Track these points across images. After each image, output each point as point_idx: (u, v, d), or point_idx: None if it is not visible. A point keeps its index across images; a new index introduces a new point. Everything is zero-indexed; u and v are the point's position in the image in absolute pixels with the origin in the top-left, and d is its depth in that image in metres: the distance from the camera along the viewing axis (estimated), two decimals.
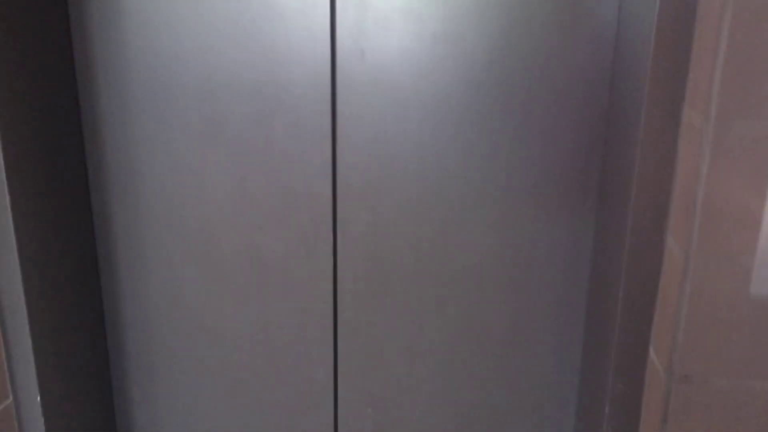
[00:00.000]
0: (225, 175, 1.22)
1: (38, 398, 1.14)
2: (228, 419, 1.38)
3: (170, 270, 1.29)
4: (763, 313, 0.90)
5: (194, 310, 1.31)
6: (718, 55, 0.82)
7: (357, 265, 1.25)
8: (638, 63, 0.95)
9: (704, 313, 0.91)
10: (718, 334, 0.92)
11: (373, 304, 1.27)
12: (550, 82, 1.11)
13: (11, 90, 1.03)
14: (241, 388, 1.36)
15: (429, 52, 1.12)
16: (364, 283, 1.26)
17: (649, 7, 0.91)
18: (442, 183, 1.19)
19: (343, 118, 1.17)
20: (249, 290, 1.28)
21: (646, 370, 1.03)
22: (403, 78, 1.13)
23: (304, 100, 1.16)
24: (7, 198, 1.03)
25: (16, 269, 1.07)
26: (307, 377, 1.33)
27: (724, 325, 0.91)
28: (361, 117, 1.17)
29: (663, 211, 0.96)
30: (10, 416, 1.15)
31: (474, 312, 1.26)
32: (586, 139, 1.14)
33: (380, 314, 1.28)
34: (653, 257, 0.98)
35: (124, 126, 1.21)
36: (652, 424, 0.99)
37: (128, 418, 1.41)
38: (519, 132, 1.15)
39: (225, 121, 1.19)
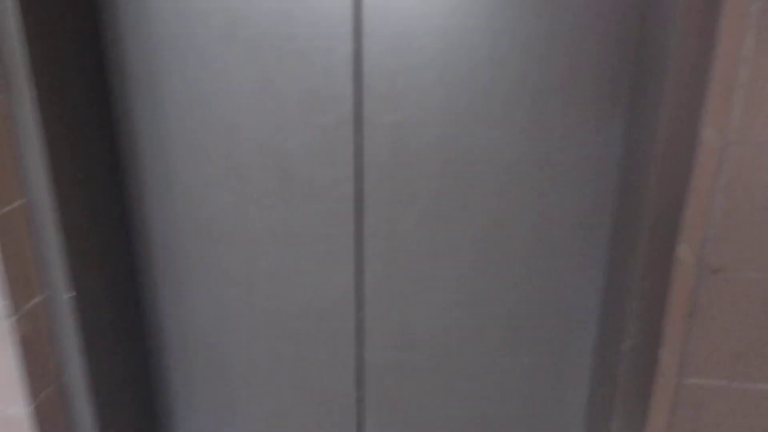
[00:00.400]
0: (247, 72, 1.20)
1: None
2: (249, 323, 1.41)
3: (194, 170, 1.29)
4: None
5: (216, 210, 1.32)
6: None
7: (381, 167, 1.24)
8: None
9: (739, 202, 0.90)
10: (753, 224, 0.91)
11: (397, 206, 1.27)
12: None
13: None
14: (262, 291, 1.37)
15: None
16: (389, 184, 1.25)
17: None
18: (470, 80, 1.17)
19: (368, 12, 1.14)
20: (272, 192, 1.29)
21: (674, 268, 1.03)
22: None
23: None
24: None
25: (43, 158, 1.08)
26: (331, 282, 1.35)
27: (760, 215, 0.90)
28: (386, 11, 1.14)
29: (699, 96, 0.94)
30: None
31: (500, 213, 1.25)
32: (620, 32, 1.11)
33: (404, 216, 1.28)
34: (687, 145, 0.96)
35: (146, 20, 1.19)
36: (678, 319, 1.00)
37: (154, 309, 1.44)
38: (551, 27, 1.12)
39: (248, 18, 1.17)
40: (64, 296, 1.17)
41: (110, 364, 1.32)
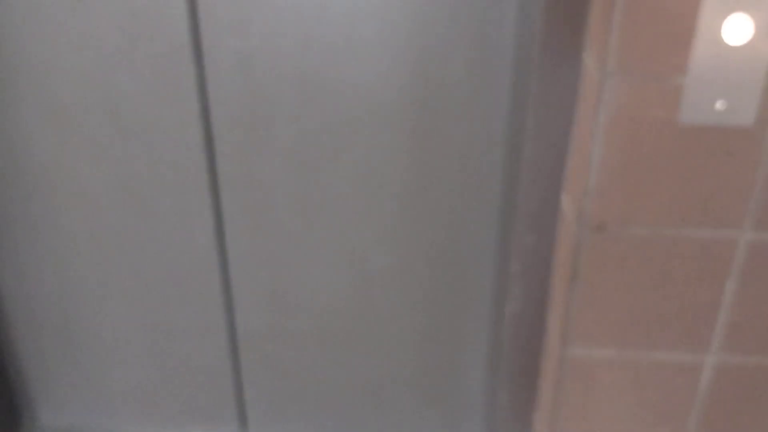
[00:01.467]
0: None
1: None
2: (103, 291, 1.24)
3: (12, 115, 1.09)
4: (692, 146, 0.75)
5: (44, 162, 1.13)
6: None
7: (230, 104, 1.06)
8: None
9: (621, 147, 0.75)
10: (638, 173, 0.77)
11: (255, 151, 1.10)
12: None
13: None
14: (111, 254, 1.20)
15: None
16: (242, 124, 1.08)
17: None
18: None
19: None
20: (104, 138, 1.10)
21: (558, 220, 0.89)
22: None
23: None
24: None
25: None
26: (189, 241, 1.18)
27: (646, 162, 0.76)
28: None
29: (579, 19, 0.77)
30: None
31: (378, 159, 1.09)
32: None
33: (264, 162, 1.11)
34: (567, 79, 0.81)
35: None
36: (562, 282, 0.86)
37: None
38: None
39: None
40: None
41: None
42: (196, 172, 1.12)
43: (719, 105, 0.72)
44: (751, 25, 0.68)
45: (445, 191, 1.11)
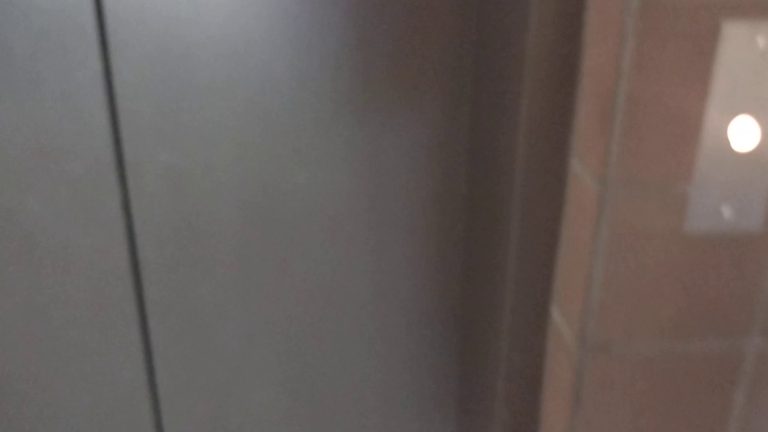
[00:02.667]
0: None
1: None
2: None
3: None
4: (699, 254, 0.69)
5: None
6: None
7: (159, 225, 0.94)
8: None
9: (625, 261, 0.69)
10: (643, 287, 0.70)
11: (188, 277, 0.97)
12: None
13: None
14: (31, 399, 1.03)
15: None
16: (173, 248, 0.95)
17: None
18: (268, 102, 0.89)
19: (113, 14, 0.83)
20: (17, 267, 0.94)
21: (549, 337, 0.81)
22: None
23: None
24: None
25: None
26: (115, 378, 1.02)
27: (650, 275, 0.70)
28: (141, 13, 0.83)
29: (565, 120, 0.72)
30: None
31: (326, 272, 0.99)
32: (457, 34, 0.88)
33: (201, 289, 0.98)
34: (553, 187, 0.74)
35: None
36: (561, 404, 0.78)
37: None
38: (367, 33, 0.86)
39: None
40: None
41: None
42: (122, 301, 0.97)
43: (726, 212, 0.67)
44: (758, 129, 0.64)
45: (405, 308, 1.02)
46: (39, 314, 0.97)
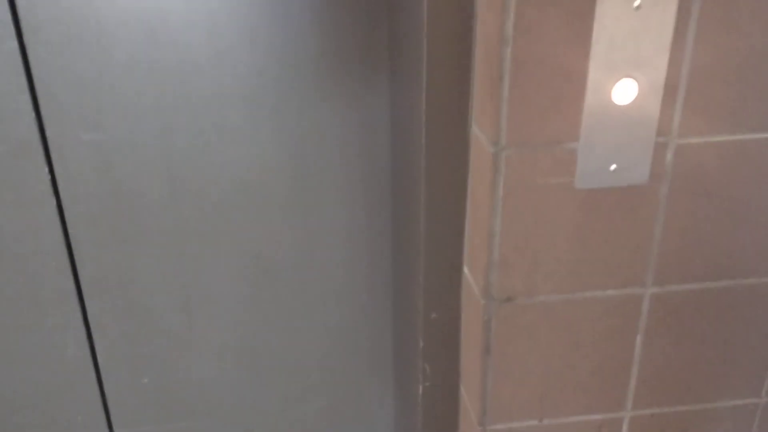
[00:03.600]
0: None
1: None
2: None
3: None
4: (591, 209, 0.74)
5: None
6: None
7: (89, 204, 0.96)
8: None
9: (522, 218, 0.74)
10: (541, 242, 0.75)
11: (122, 253, 1.00)
12: None
13: None
14: None
15: None
16: (105, 226, 0.98)
17: None
18: (190, 75, 0.92)
19: None
20: None
21: (462, 293, 0.86)
22: None
23: None
24: None
25: None
26: (56, 356, 1.05)
27: (547, 230, 0.75)
28: None
29: (464, 88, 0.76)
30: None
31: (257, 241, 1.03)
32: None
33: (136, 263, 1.01)
34: (458, 152, 0.79)
35: None
36: (475, 354, 0.83)
37: None
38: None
39: None
40: None
41: None
42: (55, 279, 1.00)
43: (613, 167, 0.72)
44: (636, 86, 0.69)
45: (335, 272, 1.06)
46: None
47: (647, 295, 0.80)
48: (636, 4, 0.66)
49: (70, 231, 0.98)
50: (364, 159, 1.00)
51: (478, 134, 0.75)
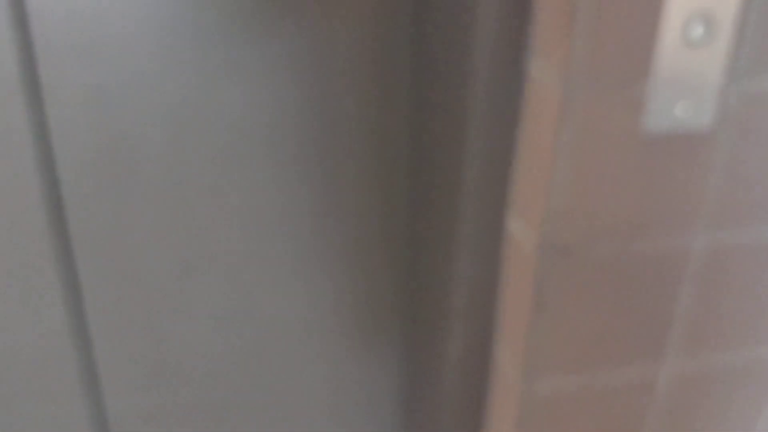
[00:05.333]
0: None
1: None
2: None
3: None
4: (654, 154, 0.72)
5: None
6: None
7: (80, 151, 0.88)
8: None
9: (587, 164, 0.71)
10: (602, 189, 0.73)
11: (116, 207, 0.93)
12: None
13: None
14: None
15: None
16: (97, 176, 0.90)
17: None
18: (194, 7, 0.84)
19: None
20: None
21: (506, 245, 0.83)
22: None
23: None
24: None
25: None
26: (42, 319, 0.97)
27: (610, 177, 0.72)
28: None
29: (523, 21, 0.72)
30: None
31: (264, 196, 0.97)
32: None
33: (130, 219, 0.94)
34: (511, 91, 0.75)
35: None
36: (522, 311, 0.81)
37: None
38: None
39: None
40: None
41: None
42: (43, 236, 0.92)
43: (678, 110, 0.70)
44: (709, 27, 0.66)
45: (348, 231, 1.01)
46: None
47: (698, 244, 0.79)
48: None
49: (62, 184, 0.89)
50: (381, 96, 0.95)
51: (541, 73, 0.71)
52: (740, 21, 0.68)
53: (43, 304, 0.96)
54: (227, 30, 0.86)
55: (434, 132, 0.88)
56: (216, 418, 1.11)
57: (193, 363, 1.06)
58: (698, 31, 0.67)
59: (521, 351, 0.82)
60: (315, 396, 1.14)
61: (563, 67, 0.67)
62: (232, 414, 1.11)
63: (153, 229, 0.95)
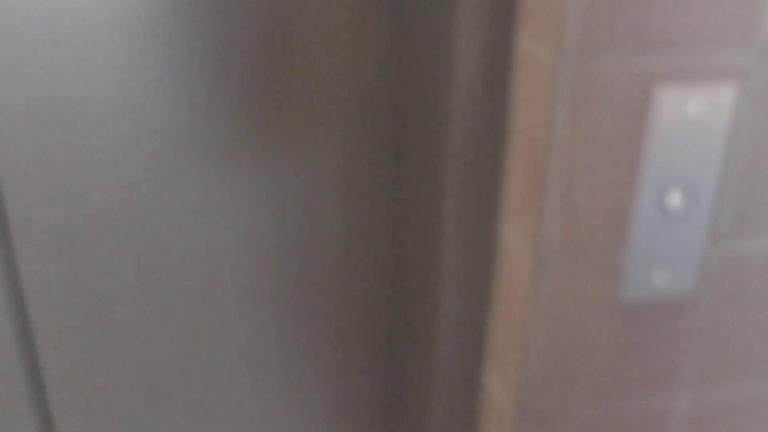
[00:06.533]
0: None
1: None
2: None
3: None
4: (634, 321, 0.70)
5: None
6: None
7: (51, 293, 0.87)
8: None
9: (562, 328, 0.69)
10: (580, 352, 0.70)
11: (86, 347, 0.91)
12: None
13: None
14: None
15: None
16: (66, 319, 0.89)
17: None
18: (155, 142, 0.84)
19: None
20: None
21: (481, 406, 0.80)
22: None
23: None
24: None
25: None
26: None
27: (587, 342, 0.70)
28: None
29: (492, 186, 0.71)
30: None
31: (239, 329, 0.95)
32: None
33: (102, 359, 0.92)
34: (483, 256, 0.74)
35: None
36: None
37: None
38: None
39: None
40: None
41: None
42: (14, 374, 0.90)
43: (657, 278, 0.68)
44: (687, 196, 0.65)
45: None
46: None
47: (681, 407, 0.76)
48: (691, 112, 0.63)
49: (33, 325, 0.88)
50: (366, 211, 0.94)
51: (512, 239, 0.70)
52: (719, 186, 0.66)
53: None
54: (202, 166, 0.86)
55: (410, 289, 0.87)
56: None
57: None
58: (675, 199, 0.66)
59: None
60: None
61: (534, 233, 0.65)
62: None
63: (125, 367, 0.93)
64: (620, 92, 0.60)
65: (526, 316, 0.68)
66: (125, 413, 0.96)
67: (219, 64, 0.80)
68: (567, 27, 0.58)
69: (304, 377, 0.99)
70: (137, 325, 0.91)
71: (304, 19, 0.79)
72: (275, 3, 0.78)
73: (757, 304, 0.72)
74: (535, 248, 0.65)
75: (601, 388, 0.73)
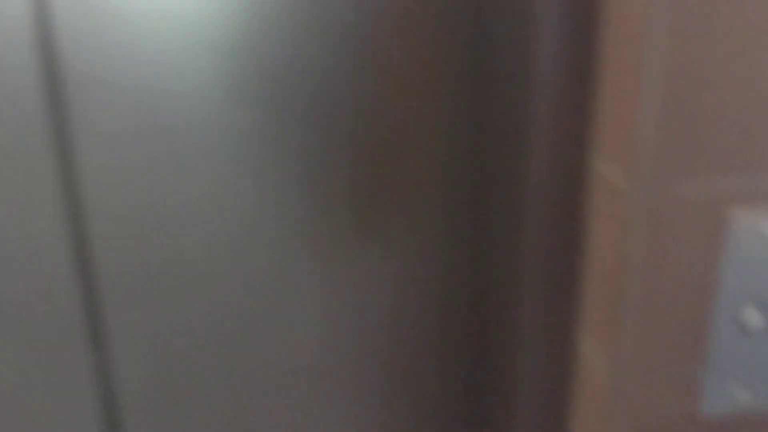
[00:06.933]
0: None
1: None
2: None
3: None
4: None
5: None
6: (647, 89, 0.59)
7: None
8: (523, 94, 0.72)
9: None
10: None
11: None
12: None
13: None
14: None
15: None
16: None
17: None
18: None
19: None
20: None
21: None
22: None
23: None
24: None
25: None
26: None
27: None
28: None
29: (570, 310, 0.73)
30: None
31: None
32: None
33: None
34: (561, 368, 0.75)
35: None
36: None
37: None
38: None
39: None
40: None
41: None
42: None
43: (739, 394, 0.68)
44: (760, 315, 0.66)
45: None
46: None
47: None
48: (765, 230, 0.64)
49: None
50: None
51: (589, 350, 0.71)
52: None
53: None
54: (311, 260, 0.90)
55: (488, 403, 0.88)
56: None
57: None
58: (753, 317, 0.66)
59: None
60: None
61: (611, 348, 0.67)
62: None
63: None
64: (694, 214, 0.62)
65: (603, 428, 0.69)
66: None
67: (319, 167, 0.85)
68: (640, 151, 0.61)
69: None
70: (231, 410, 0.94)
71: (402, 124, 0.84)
72: (370, 114, 0.83)
73: None
74: (613, 360, 0.66)
75: None
